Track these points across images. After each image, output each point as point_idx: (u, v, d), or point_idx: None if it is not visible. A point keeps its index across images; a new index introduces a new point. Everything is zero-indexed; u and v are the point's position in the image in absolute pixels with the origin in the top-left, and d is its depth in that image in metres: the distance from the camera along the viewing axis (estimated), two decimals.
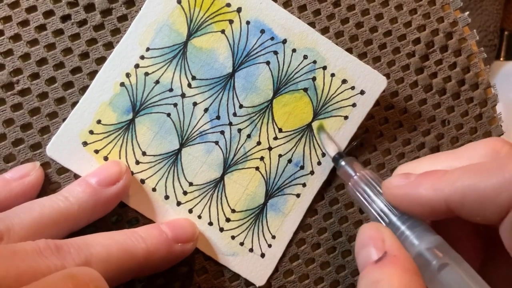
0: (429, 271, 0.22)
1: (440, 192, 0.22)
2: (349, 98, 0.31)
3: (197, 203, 0.30)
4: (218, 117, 0.30)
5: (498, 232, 0.21)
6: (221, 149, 0.30)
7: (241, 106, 0.30)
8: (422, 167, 0.24)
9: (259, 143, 0.30)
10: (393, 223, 0.24)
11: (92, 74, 0.29)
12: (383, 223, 0.24)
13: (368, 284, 0.21)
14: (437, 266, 0.22)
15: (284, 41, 0.30)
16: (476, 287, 0.21)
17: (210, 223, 0.30)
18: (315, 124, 0.31)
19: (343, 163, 0.28)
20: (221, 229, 0.30)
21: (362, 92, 0.31)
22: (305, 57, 0.30)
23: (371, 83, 0.31)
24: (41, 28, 0.29)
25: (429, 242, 0.23)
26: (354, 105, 0.31)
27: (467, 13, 0.33)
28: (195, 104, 0.30)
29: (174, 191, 0.30)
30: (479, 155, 0.23)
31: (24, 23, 0.29)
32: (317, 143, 0.31)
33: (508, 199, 0.20)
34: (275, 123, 0.30)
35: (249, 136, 0.30)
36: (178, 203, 0.30)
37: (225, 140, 0.30)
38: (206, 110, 0.30)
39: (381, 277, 0.21)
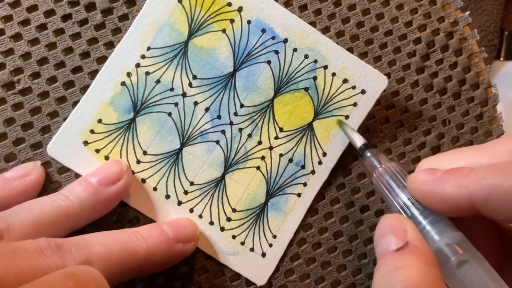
0: (448, 267, 0.22)
1: (465, 189, 0.22)
2: (350, 97, 0.31)
3: (198, 203, 0.30)
4: (219, 117, 0.30)
5: None
6: (222, 148, 0.30)
7: (242, 106, 0.30)
8: (446, 162, 0.24)
9: (260, 142, 0.30)
10: (415, 217, 0.24)
11: (93, 74, 0.29)
12: (405, 216, 0.24)
13: (387, 272, 0.21)
14: (457, 262, 0.22)
15: (285, 41, 0.30)
16: (494, 285, 0.21)
17: (211, 223, 0.30)
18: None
19: (368, 154, 0.28)
20: (222, 229, 0.30)
21: (363, 92, 0.31)
22: (306, 56, 0.30)
23: (372, 82, 0.31)
24: (42, 27, 0.29)
25: (450, 238, 0.23)
26: (355, 104, 0.31)
27: (468, 12, 0.33)
28: (196, 103, 0.30)
29: (175, 191, 0.29)
30: (502, 153, 0.23)
31: (25, 22, 0.29)
32: (318, 143, 0.31)
33: None
34: (276, 123, 0.30)
35: (250, 135, 0.30)
36: (179, 203, 0.30)
37: (226, 139, 0.30)
38: (207, 109, 0.30)
39: (400, 265, 0.21)
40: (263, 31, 0.30)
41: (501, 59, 0.64)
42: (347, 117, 0.31)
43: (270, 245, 0.30)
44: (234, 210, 0.30)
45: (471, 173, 0.22)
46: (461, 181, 0.22)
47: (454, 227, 0.23)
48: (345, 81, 0.31)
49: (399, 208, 0.25)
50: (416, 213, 0.24)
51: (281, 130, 0.30)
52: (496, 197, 0.21)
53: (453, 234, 0.23)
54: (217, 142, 0.30)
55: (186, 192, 0.30)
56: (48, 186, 0.29)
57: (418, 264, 0.21)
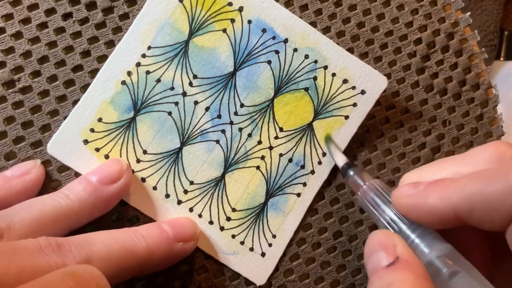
0: (440, 279, 0.22)
1: (448, 200, 0.22)
2: (350, 97, 0.31)
3: (198, 202, 0.30)
4: (219, 116, 0.30)
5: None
6: (222, 148, 0.30)
7: (242, 105, 0.30)
8: (428, 174, 0.24)
9: (260, 142, 0.30)
10: (403, 231, 0.24)
11: (94, 72, 0.29)
12: (393, 231, 0.24)
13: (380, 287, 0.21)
14: (448, 274, 0.22)
15: (286, 41, 0.30)
16: None
17: (211, 222, 0.30)
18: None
19: (351, 172, 0.28)
20: (222, 228, 0.30)
21: (363, 92, 0.31)
22: (306, 56, 0.30)
23: (372, 83, 0.31)
24: (43, 26, 0.29)
25: (439, 250, 0.23)
26: (354, 104, 0.31)
27: (469, 13, 0.33)
28: (196, 103, 0.30)
29: (175, 190, 0.30)
30: (483, 160, 0.23)
31: (26, 21, 0.29)
32: (318, 143, 0.31)
33: None
34: (276, 122, 0.30)
35: (250, 135, 0.30)
36: (179, 202, 0.30)
37: (226, 139, 0.30)
38: (207, 109, 0.30)
39: (393, 281, 0.21)
40: (264, 31, 0.30)
41: (501, 59, 0.64)
42: (346, 117, 0.31)
43: (270, 245, 0.30)
44: (233, 210, 0.30)
45: (452, 183, 0.22)
46: (443, 192, 0.22)
47: (442, 239, 0.23)
48: (345, 81, 0.31)
49: (386, 224, 0.25)
50: (403, 227, 0.24)
51: (281, 130, 0.30)
52: (478, 206, 0.21)
53: (442, 246, 0.23)
54: (217, 141, 0.30)
55: (186, 192, 0.30)
56: (48, 184, 0.29)
57: (410, 278, 0.21)
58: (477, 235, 0.25)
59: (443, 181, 0.23)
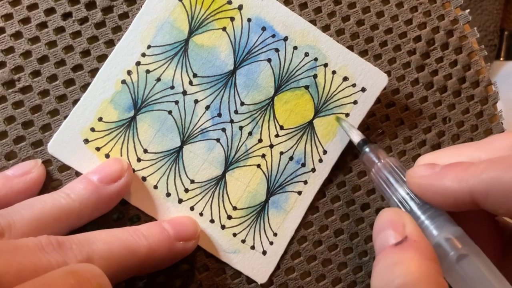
0: (447, 261, 0.22)
1: (465, 183, 0.22)
2: (350, 95, 0.31)
3: (199, 201, 0.30)
4: (219, 115, 0.30)
5: None
6: (222, 146, 0.30)
7: (242, 104, 0.30)
8: (445, 158, 0.24)
9: (260, 140, 0.30)
10: (414, 211, 0.24)
11: (94, 72, 0.29)
12: (404, 210, 0.24)
13: (385, 266, 0.21)
14: (456, 257, 0.22)
15: (285, 39, 0.30)
16: (494, 280, 0.21)
17: (212, 221, 0.30)
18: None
19: (367, 149, 0.28)
20: (223, 227, 0.30)
21: (363, 90, 0.31)
22: (306, 54, 0.30)
23: (372, 80, 0.31)
24: (42, 25, 0.29)
25: (449, 232, 0.23)
26: (355, 102, 0.31)
27: (468, 10, 0.33)
28: (196, 101, 0.30)
29: (176, 189, 0.29)
30: (502, 147, 0.23)
31: (25, 21, 0.29)
32: (318, 141, 0.31)
33: None
34: (277, 121, 0.30)
35: (250, 133, 0.30)
36: (180, 201, 0.30)
37: (227, 137, 0.30)
38: (207, 107, 0.30)
39: (400, 259, 0.21)
40: (263, 29, 0.30)
41: (501, 59, 0.64)
42: (347, 115, 0.31)
43: (271, 243, 0.30)
44: (234, 208, 0.30)
45: (470, 167, 0.22)
46: (461, 175, 0.22)
47: (453, 222, 0.23)
48: (345, 79, 0.31)
49: (398, 203, 0.25)
50: (414, 207, 0.24)
51: (281, 128, 0.30)
52: (496, 191, 0.21)
53: (452, 229, 0.23)
54: (218, 140, 0.30)
55: (186, 190, 0.30)
56: (48, 184, 0.29)
57: (418, 258, 0.21)
58: (488, 223, 0.25)
59: (461, 164, 0.23)
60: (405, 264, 0.21)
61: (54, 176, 0.29)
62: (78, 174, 0.29)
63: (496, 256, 0.25)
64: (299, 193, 0.31)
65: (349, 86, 0.31)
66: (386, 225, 0.23)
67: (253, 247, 0.30)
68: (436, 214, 0.24)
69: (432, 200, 0.23)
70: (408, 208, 0.24)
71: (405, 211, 0.24)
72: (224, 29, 0.30)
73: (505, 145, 0.23)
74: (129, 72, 0.29)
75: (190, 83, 0.30)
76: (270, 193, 0.30)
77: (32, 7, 0.29)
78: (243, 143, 0.30)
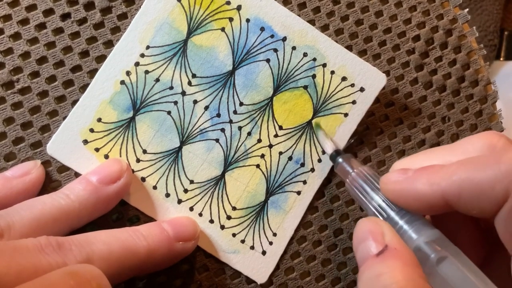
0: (428, 265, 0.22)
1: (437, 186, 0.22)
2: (349, 95, 0.31)
3: (198, 201, 0.30)
4: (218, 115, 0.30)
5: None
6: (221, 146, 0.30)
7: (241, 104, 0.30)
8: (418, 162, 0.24)
9: (259, 140, 0.30)
10: (391, 218, 0.24)
11: (92, 72, 0.29)
12: (381, 218, 0.24)
13: (370, 278, 0.21)
14: (436, 259, 0.22)
15: (284, 39, 0.30)
16: (476, 279, 0.21)
17: (211, 221, 0.30)
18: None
19: (340, 160, 0.28)
20: (222, 227, 0.30)
21: (362, 89, 0.31)
22: (305, 54, 0.30)
23: (371, 80, 0.31)
24: (41, 26, 0.29)
25: (427, 236, 0.23)
26: (354, 102, 0.31)
27: (467, 10, 0.33)
28: (195, 102, 0.30)
29: (175, 189, 0.29)
30: (475, 149, 0.23)
31: (24, 22, 0.29)
32: (318, 141, 0.31)
33: (502, 191, 0.20)
34: (276, 121, 0.30)
35: (249, 133, 0.30)
36: (179, 201, 0.30)
37: (226, 137, 0.30)
38: (206, 108, 0.30)
39: (383, 270, 0.21)
40: (262, 29, 0.30)
41: (501, 59, 0.64)
42: (346, 114, 0.31)
43: (270, 243, 0.30)
44: (234, 208, 0.30)
45: (442, 170, 0.22)
46: (432, 178, 0.22)
47: (430, 225, 0.23)
48: (344, 79, 0.31)
49: (375, 211, 0.25)
50: (391, 214, 0.24)
51: (280, 128, 0.30)
52: (468, 191, 0.21)
53: (430, 232, 0.23)
54: (217, 140, 0.30)
55: (186, 191, 0.30)
56: (48, 185, 0.29)
57: (400, 266, 0.21)
58: (468, 224, 0.25)
59: (432, 167, 0.23)
60: (388, 274, 0.21)
61: (54, 177, 0.29)
62: (77, 175, 0.29)
63: (480, 257, 0.25)
64: (298, 193, 0.31)
65: (347, 86, 0.31)
66: (366, 235, 0.23)
67: (252, 247, 0.30)
68: (413, 219, 0.24)
69: (407, 205, 0.23)
70: (385, 216, 0.24)
71: (382, 219, 0.24)
72: (223, 29, 0.30)
73: (476, 147, 0.23)
74: (128, 73, 0.29)
75: (189, 83, 0.30)
76: (269, 193, 0.30)
77: (31, 8, 0.29)
78: (242, 143, 0.30)
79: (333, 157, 0.29)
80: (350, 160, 0.28)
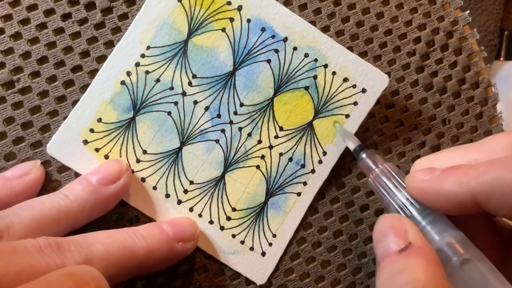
0: (450, 266, 0.22)
1: (467, 185, 0.22)
2: (350, 96, 0.31)
3: (198, 202, 0.30)
4: (218, 116, 0.30)
5: None
6: (221, 147, 0.30)
7: (241, 105, 0.30)
8: (441, 161, 0.24)
9: (260, 141, 0.30)
10: (414, 217, 0.24)
11: (93, 73, 0.29)
12: (404, 216, 0.24)
13: (391, 274, 0.21)
14: (459, 262, 0.21)
15: (285, 39, 0.30)
16: (499, 284, 0.21)
17: (211, 222, 0.30)
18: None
19: (364, 155, 0.28)
20: (222, 228, 0.30)
21: (363, 91, 0.31)
22: (306, 55, 0.30)
23: (373, 81, 0.31)
24: (42, 26, 0.29)
25: (450, 237, 0.22)
26: (355, 103, 0.31)
27: (468, 12, 0.33)
28: (195, 102, 0.30)
29: (175, 190, 0.29)
30: (498, 148, 0.23)
31: (25, 22, 0.29)
32: (318, 142, 0.31)
33: None
34: (276, 122, 0.30)
35: (249, 134, 0.30)
36: (179, 202, 0.29)
37: (226, 138, 0.30)
38: (206, 108, 0.30)
39: (405, 266, 0.21)
40: (263, 29, 0.30)
41: (501, 59, 0.64)
42: (347, 116, 0.31)
43: (270, 244, 0.30)
44: (234, 209, 0.30)
45: (471, 169, 0.22)
46: (462, 177, 0.22)
47: (454, 226, 0.23)
48: (345, 80, 0.31)
49: (398, 209, 0.25)
50: (415, 213, 0.24)
51: (281, 129, 0.30)
52: (498, 192, 0.21)
53: (454, 233, 0.23)
54: (217, 141, 0.30)
55: (186, 191, 0.30)
56: (47, 185, 0.29)
57: (423, 265, 0.21)
58: (488, 228, 0.25)
59: (461, 166, 0.22)
60: (411, 271, 0.21)
61: (53, 177, 0.29)
62: (77, 175, 0.29)
63: (495, 258, 0.25)
64: (299, 194, 0.31)
65: (349, 87, 0.31)
66: (388, 231, 0.23)
67: (252, 248, 0.30)
68: (436, 219, 0.23)
69: (433, 204, 0.23)
70: (408, 214, 0.24)
71: (406, 217, 0.24)
72: (223, 29, 0.30)
73: (501, 146, 0.23)
74: (128, 73, 0.29)
75: (190, 84, 0.30)
76: (269, 194, 0.30)
77: (32, 7, 0.29)
78: (242, 144, 0.30)
79: (356, 152, 0.28)
80: (374, 155, 0.28)
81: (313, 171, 0.31)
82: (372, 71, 0.31)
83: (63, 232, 0.26)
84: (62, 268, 0.21)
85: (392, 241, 0.22)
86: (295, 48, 0.30)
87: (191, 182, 0.30)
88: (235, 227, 0.30)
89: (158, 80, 0.29)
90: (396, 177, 0.26)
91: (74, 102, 0.29)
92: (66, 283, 0.20)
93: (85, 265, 0.22)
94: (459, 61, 0.33)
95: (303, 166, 0.31)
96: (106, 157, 0.29)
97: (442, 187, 0.23)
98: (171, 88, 0.30)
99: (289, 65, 0.30)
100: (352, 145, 0.29)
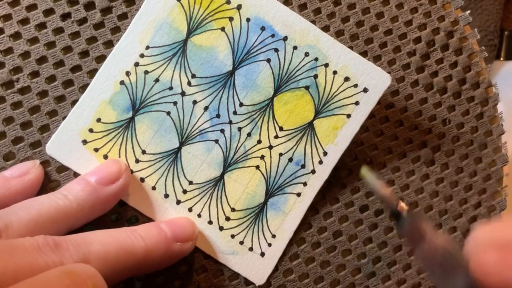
0: None
1: None
2: (351, 96, 0.31)
3: (197, 202, 0.30)
4: (218, 116, 0.30)
5: None
6: (221, 147, 0.30)
7: (241, 104, 0.30)
8: (508, 233, 0.20)
9: (259, 141, 0.30)
10: None
11: (92, 73, 0.29)
12: None
13: None
14: None
15: (285, 38, 0.30)
16: None
17: (210, 222, 0.30)
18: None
19: (409, 220, 0.23)
20: (221, 228, 0.30)
21: (365, 90, 0.31)
22: (307, 54, 0.30)
23: (375, 80, 0.30)
24: (41, 26, 0.29)
25: None
26: (357, 103, 0.31)
27: (468, 12, 0.33)
28: (195, 102, 0.30)
29: (174, 190, 0.29)
30: None
31: (24, 21, 0.29)
32: (319, 142, 0.30)
33: None
34: (276, 122, 0.30)
35: (249, 134, 0.30)
36: (178, 202, 0.29)
37: (225, 138, 0.30)
38: (206, 108, 0.30)
39: None
40: (263, 29, 0.30)
41: (501, 59, 0.64)
42: (348, 115, 0.31)
43: (269, 245, 0.30)
44: (233, 210, 0.30)
45: None
46: None
47: None
48: (346, 79, 0.31)
49: None
50: None
51: (281, 129, 0.30)
52: None
53: None
54: (216, 141, 0.30)
55: (185, 191, 0.29)
56: (46, 185, 0.29)
57: None
58: None
59: None
60: None
61: (53, 177, 0.29)
62: (76, 175, 0.29)
63: None
64: (298, 194, 0.30)
65: (350, 87, 0.31)
66: None
67: (251, 249, 0.30)
68: None
69: None
70: None
71: None
72: (222, 29, 0.30)
73: None
74: (127, 73, 0.29)
75: (189, 83, 0.30)
76: (269, 194, 0.30)
77: (31, 7, 0.29)
78: (242, 144, 0.30)
79: (397, 215, 0.24)
80: (421, 221, 0.23)
81: (313, 171, 0.31)
82: (374, 70, 0.31)
83: (61, 232, 0.26)
84: (60, 267, 0.21)
85: None
86: (295, 47, 0.30)
87: (190, 182, 0.30)
88: (234, 227, 0.30)
89: (157, 80, 0.29)
90: (451, 254, 0.21)
91: (73, 102, 0.29)
92: (63, 281, 0.20)
93: (83, 264, 0.22)
94: (459, 61, 0.33)
95: (303, 166, 0.30)
96: (105, 157, 0.29)
97: None
98: (170, 88, 0.29)
99: (289, 64, 0.30)
100: (393, 204, 0.24)
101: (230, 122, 0.30)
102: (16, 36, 0.29)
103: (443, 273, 0.22)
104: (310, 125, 0.31)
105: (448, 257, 0.21)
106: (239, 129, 0.30)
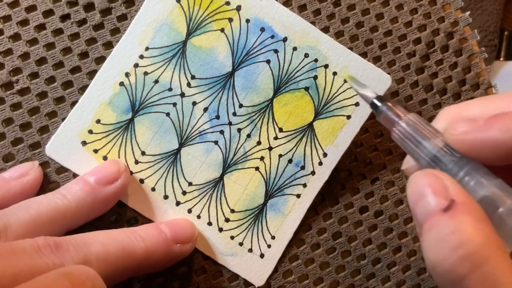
0: (495, 218, 0.20)
1: None
2: (352, 97, 0.31)
3: (196, 203, 0.30)
4: (217, 117, 0.30)
5: None
6: (220, 149, 0.30)
7: (241, 106, 0.30)
8: (474, 110, 0.22)
9: (259, 143, 0.30)
10: (450, 169, 0.21)
11: (92, 74, 0.29)
12: (440, 170, 0.22)
13: (440, 237, 0.19)
14: (506, 211, 0.20)
15: (285, 39, 0.30)
16: None
17: (209, 223, 0.30)
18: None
19: (384, 108, 0.25)
20: (220, 229, 0.30)
21: None
22: (306, 55, 0.30)
23: (375, 81, 0.30)
24: (41, 27, 0.29)
25: (493, 186, 0.20)
26: (357, 104, 0.31)
27: (468, 13, 0.33)
28: (194, 103, 0.30)
29: (173, 191, 0.29)
30: None
31: (24, 23, 0.29)
32: (319, 143, 0.30)
33: None
34: (276, 123, 0.30)
35: (249, 135, 0.30)
36: (177, 203, 0.29)
37: (225, 139, 0.30)
38: (205, 109, 0.30)
39: (455, 227, 0.19)
40: (262, 30, 0.30)
41: (501, 59, 0.64)
42: (349, 117, 0.31)
43: (269, 246, 0.30)
44: (232, 211, 0.30)
45: None
46: (508, 124, 0.20)
47: (493, 175, 0.21)
48: (346, 80, 0.31)
49: (430, 162, 0.22)
50: (450, 165, 0.21)
51: (280, 130, 0.30)
52: None
53: (495, 182, 0.21)
54: (216, 142, 0.30)
55: (184, 193, 0.29)
56: (46, 186, 0.29)
57: (472, 223, 0.19)
58: None
59: (505, 114, 0.21)
60: (462, 231, 0.19)
61: (52, 178, 0.29)
62: (75, 176, 0.29)
63: None
64: (298, 196, 0.30)
65: (350, 88, 0.31)
66: (426, 190, 0.20)
67: (250, 250, 0.30)
68: (473, 169, 0.21)
69: (479, 155, 0.21)
70: (443, 167, 0.22)
71: (442, 171, 0.22)
72: (222, 30, 0.30)
73: None
74: (127, 74, 0.29)
75: (188, 85, 0.30)
76: (268, 196, 0.30)
77: (31, 9, 0.29)
78: (241, 145, 0.30)
79: (374, 105, 0.26)
80: (395, 107, 0.25)
81: (313, 172, 0.31)
82: (374, 71, 0.31)
83: (60, 232, 0.26)
84: (59, 268, 0.21)
85: (433, 200, 0.20)
86: (294, 48, 0.30)
87: (190, 184, 0.30)
88: (233, 228, 0.30)
89: (156, 81, 0.29)
90: (422, 127, 0.23)
91: (73, 103, 0.29)
92: (62, 283, 0.20)
93: (82, 265, 0.22)
94: (459, 62, 0.33)
95: (303, 167, 0.30)
96: (105, 158, 0.29)
97: (489, 136, 0.21)
98: (170, 89, 0.29)
99: (289, 65, 0.30)
100: (368, 98, 0.26)
101: (230, 123, 0.30)
102: (16, 37, 0.29)
103: (415, 144, 0.23)
104: (310, 126, 0.31)
105: (418, 130, 0.23)
106: (239, 130, 0.30)
